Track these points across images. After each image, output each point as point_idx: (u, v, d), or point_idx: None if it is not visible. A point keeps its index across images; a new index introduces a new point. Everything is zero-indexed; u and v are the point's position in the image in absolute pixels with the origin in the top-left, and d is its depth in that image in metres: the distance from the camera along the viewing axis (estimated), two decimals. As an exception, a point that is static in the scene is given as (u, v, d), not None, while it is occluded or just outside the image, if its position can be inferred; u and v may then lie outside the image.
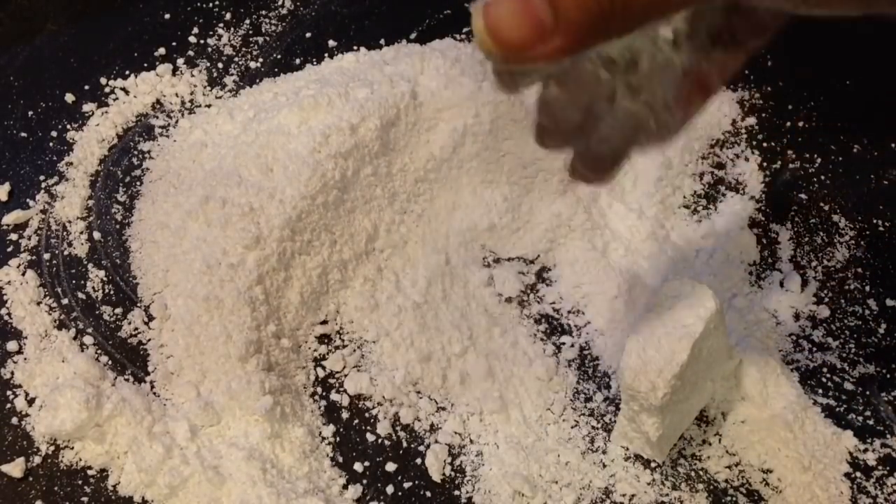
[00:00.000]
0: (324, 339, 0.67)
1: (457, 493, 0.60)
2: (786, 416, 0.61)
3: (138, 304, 0.67)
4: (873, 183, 0.74)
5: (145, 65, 0.81)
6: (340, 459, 0.61)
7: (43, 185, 0.74)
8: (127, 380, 0.63)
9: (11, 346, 0.65)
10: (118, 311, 0.67)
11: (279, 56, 0.83)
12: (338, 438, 0.62)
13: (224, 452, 0.60)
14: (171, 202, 0.71)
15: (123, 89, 0.80)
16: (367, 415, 0.63)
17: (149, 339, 0.66)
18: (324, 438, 0.62)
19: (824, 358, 0.65)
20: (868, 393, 0.64)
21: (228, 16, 0.85)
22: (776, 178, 0.75)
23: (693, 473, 0.61)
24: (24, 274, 0.68)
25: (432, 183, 0.71)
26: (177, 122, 0.77)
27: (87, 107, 0.78)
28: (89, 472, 0.60)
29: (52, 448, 0.61)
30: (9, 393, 0.63)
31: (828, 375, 0.65)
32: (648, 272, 0.68)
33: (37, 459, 0.60)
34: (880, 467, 0.60)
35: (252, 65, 0.82)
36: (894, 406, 0.63)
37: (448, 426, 0.63)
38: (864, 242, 0.71)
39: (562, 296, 0.69)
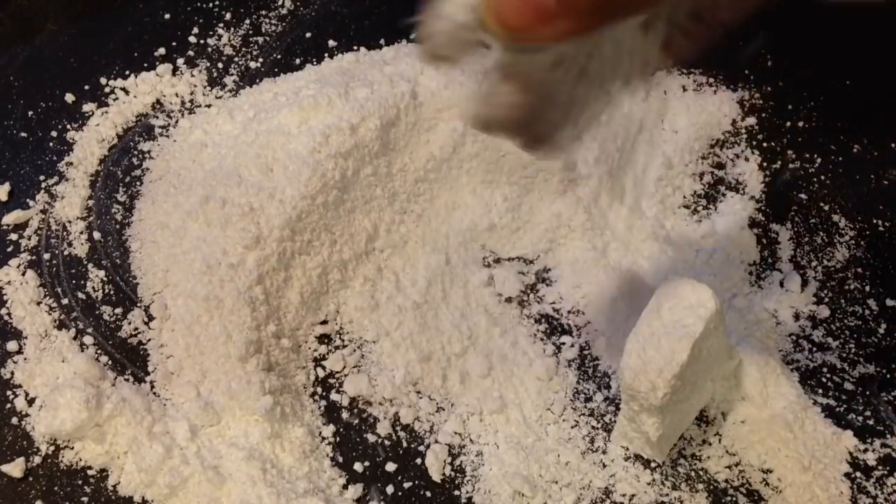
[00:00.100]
0: (324, 339, 0.67)
1: (457, 493, 0.60)
2: (786, 416, 0.61)
3: (138, 304, 0.67)
4: (873, 183, 0.74)
5: (145, 65, 0.81)
6: (340, 459, 0.61)
7: (43, 185, 0.74)
8: (127, 380, 0.63)
9: (11, 346, 0.65)
10: (118, 311, 0.67)
11: (279, 56, 0.83)
12: (338, 438, 0.62)
13: (224, 452, 0.60)
14: (171, 202, 0.71)
15: (123, 89, 0.80)
16: (367, 415, 0.63)
17: (149, 339, 0.66)
18: (324, 438, 0.62)
19: (824, 358, 0.65)
20: (868, 393, 0.64)
21: (228, 16, 0.85)
22: (776, 178, 0.75)
23: (693, 473, 0.61)
24: (24, 274, 0.68)
25: (432, 183, 0.71)
26: (177, 122, 0.77)
27: (87, 107, 0.78)
28: (89, 472, 0.60)
29: (52, 448, 0.61)
30: (9, 393, 0.63)
31: (828, 375, 0.65)
32: (648, 272, 0.68)
33: (37, 459, 0.60)
34: (880, 467, 0.60)
35: (252, 65, 0.82)
36: (894, 406, 0.63)
37: (448, 426, 0.63)
38: (864, 242, 0.71)
39: (562, 296, 0.69)
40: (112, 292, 0.68)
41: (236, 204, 0.66)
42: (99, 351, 0.65)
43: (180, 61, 0.82)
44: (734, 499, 0.60)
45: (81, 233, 0.71)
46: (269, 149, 0.69)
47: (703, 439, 0.62)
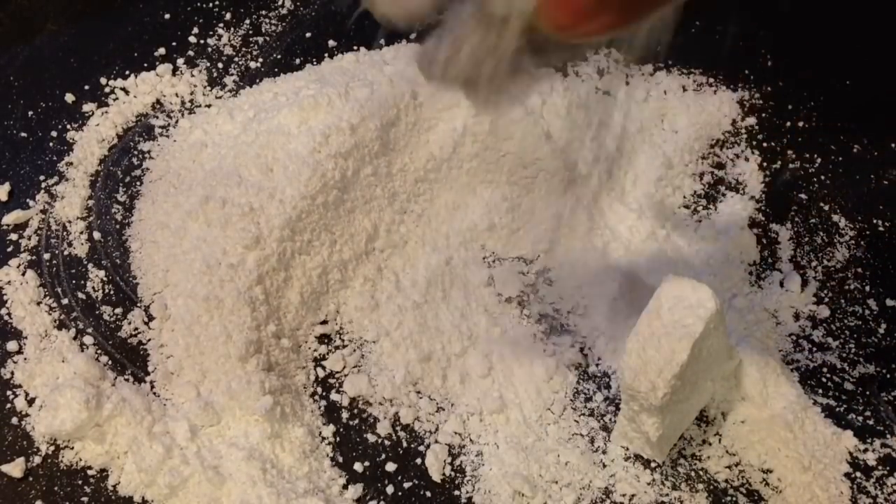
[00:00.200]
0: (324, 339, 0.67)
1: (457, 493, 0.60)
2: (786, 416, 0.61)
3: (138, 304, 0.67)
4: (873, 183, 0.74)
5: (145, 65, 0.81)
6: (340, 459, 0.61)
7: (43, 185, 0.74)
8: (127, 380, 0.63)
9: (11, 346, 0.65)
10: (118, 311, 0.67)
11: (279, 56, 0.83)
12: (338, 438, 0.62)
13: (224, 452, 0.60)
14: (171, 202, 0.71)
15: (123, 89, 0.80)
16: (366, 415, 0.63)
17: (149, 339, 0.66)
18: (324, 438, 0.62)
19: (824, 358, 0.65)
20: (868, 393, 0.64)
21: (228, 16, 0.85)
22: (776, 178, 0.75)
23: (693, 473, 0.61)
24: (24, 274, 0.68)
25: (432, 183, 0.71)
26: (177, 122, 0.77)
27: (87, 107, 0.78)
28: (89, 472, 0.60)
29: (52, 448, 0.61)
30: (9, 393, 0.63)
31: (828, 375, 0.65)
32: (648, 272, 0.68)
33: (37, 459, 0.60)
34: (880, 467, 0.60)
35: (252, 65, 0.82)
36: (894, 406, 0.63)
37: (448, 426, 0.63)
38: (864, 242, 0.71)
39: (562, 296, 0.69)
40: (112, 292, 0.68)
41: (236, 204, 0.66)
42: (99, 351, 0.65)
43: (180, 61, 0.82)
44: (734, 499, 0.60)
45: (81, 233, 0.71)
46: (269, 149, 0.69)
47: (703, 439, 0.62)
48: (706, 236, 0.71)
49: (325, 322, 0.67)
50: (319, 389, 0.64)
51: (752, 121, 0.78)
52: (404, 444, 0.62)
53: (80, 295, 0.68)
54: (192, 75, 0.81)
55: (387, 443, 0.62)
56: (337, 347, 0.66)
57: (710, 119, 0.78)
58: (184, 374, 0.63)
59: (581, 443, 0.62)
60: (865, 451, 0.61)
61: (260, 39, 0.84)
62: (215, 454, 0.60)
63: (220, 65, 0.82)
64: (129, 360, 0.65)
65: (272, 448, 0.60)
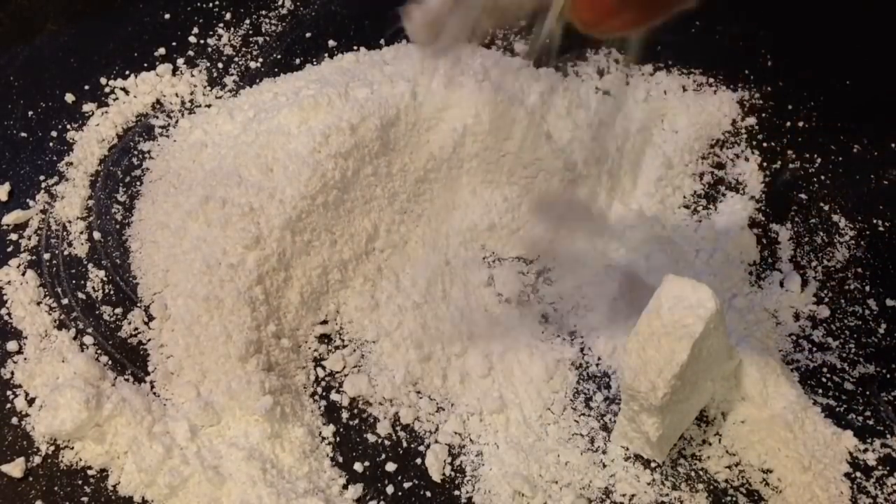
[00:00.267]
0: (324, 339, 0.67)
1: (457, 493, 0.60)
2: (786, 416, 0.61)
3: (138, 304, 0.67)
4: (873, 183, 0.74)
5: (145, 65, 0.81)
6: (340, 459, 0.61)
7: (43, 185, 0.74)
8: (127, 380, 0.63)
9: (11, 346, 0.65)
10: (118, 311, 0.67)
11: (279, 56, 0.83)
12: (338, 438, 0.62)
13: (224, 452, 0.60)
14: (171, 202, 0.71)
15: (123, 89, 0.80)
16: (366, 415, 0.63)
17: (149, 339, 0.66)
18: (324, 438, 0.62)
19: (824, 358, 0.65)
20: (868, 393, 0.64)
21: (228, 16, 0.85)
22: (776, 178, 0.75)
23: (693, 473, 0.61)
24: (24, 274, 0.68)
25: (432, 183, 0.71)
26: (177, 122, 0.77)
27: (87, 107, 0.78)
28: (89, 472, 0.60)
29: (52, 448, 0.61)
30: (9, 393, 0.63)
31: (828, 375, 0.65)
32: (648, 272, 0.68)
33: (37, 459, 0.60)
34: (880, 467, 0.60)
35: (252, 65, 0.82)
36: (894, 406, 0.63)
37: (448, 426, 0.62)
38: (864, 242, 0.71)
39: (562, 296, 0.69)
40: (112, 292, 0.68)
41: (236, 204, 0.66)
42: (99, 351, 0.65)
43: (180, 61, 0.82)
44: (734, 499, 0.60)
45: (81, 233, 0.71)
46: (269, 149, 0.69)
47: (703, 439, 0.62)
48: (706, 236, 0.71)
49: (325, 322, 0.67)
50: (319, 389, 0.64)
51: (752, 121, 0.78)
52: (404, 444, 0.62)
53: (80, 295, 0.68)
54: (192, 75, 0.81)
55: (387, 443, 0.62)
56: (337, 347, 0.66)
57: (710, 119, 0.78)
58: (184, 374, 0.63)
59: (581, 443, 0.62)
60: (865, 451, 0.61)
61: (260, 39, 0.84)
62: (215, 454, 0.60)
63: (220, 65, 0.82)
64: (129, 360, 0.65)
65: (272, 448, 0.60)
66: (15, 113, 0.78)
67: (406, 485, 0.60)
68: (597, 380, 0.65)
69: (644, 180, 0.74)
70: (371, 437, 0.62)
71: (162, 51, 0.82)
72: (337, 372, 0.65)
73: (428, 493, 0.60)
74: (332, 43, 0.83)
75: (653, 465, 0.61)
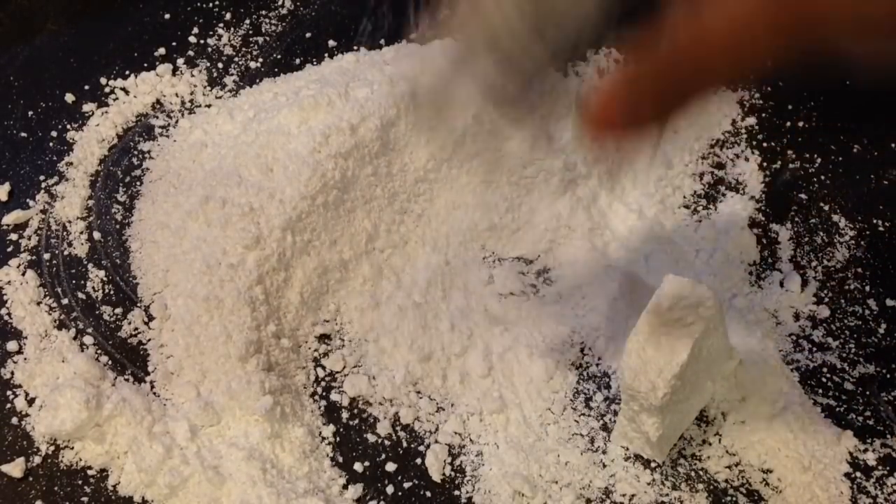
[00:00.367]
0: (324, 339, 0.67)
1: (457, 493, 0.60)
2: (786, 416, 0.61)
3: (138, 304, 0.67)
4: (873, 183, 0.74)
5: (145, 65, 0.81)
6: (340, 459, 0.61)
7: (43, 185, 0.74)
8: (127, 380, 0.63)
9: (11, 346, 0.65)
10: (118, 311, 0.67)
11: (279, 56, 0.83)
12: (338, 438, 0.62)
13: (224, 452, 0.60)
14: (171, 202, 0.71)
15: (123, 89, 0.80)
16: (366, 415, 0.63)
17: (149, 339, 0.66)
18: (324, 438, 0.62)
19: (824, 358, 0.65)
20: (868, 393, 0.64)
21: (228, 16, 0.85)
22: (776, 178, 0.75)
23: (693, 473, 0.61)
24: (24, 274, 0.68)
25: (432, 183, 0.71)
26: (177, 122, 0.77)
27: (87, 107, 0.78)
28: (89, 472, 0.60)
29: (52, 448, 0.61)
30: (9, 393, 0.63)
31: (828, 375, 0.65)
32: (648, 272, 0.68)
33: (37, 459, 0.60)
34: (880, 467, 0.60)
35: (252, 65, 0.82)
36: (894, 406, 0.63)
37: (448, 426, 0.63)
38: (864, 242, 0.71)
39: (562, 296, 0.69)
40: (112, 292, 0.68)
41: (236, 204, 0.66)
42: (99, 351, 0.65)
43: (180, 61, 0.82)
44: (734, 499, 0.60)
45: (81, 233, 0.71)
46: (269, 149, 0.69)
47: (703, 439, 0.62)
48: (706, 236, 0.71)
49: (325, 322, 0.67)
50: (319, 389, 0.64)
51: (752, 121, 0.78)
52: (404, 444, 0.62)
53: (80, 295, 0.68)
54: (192, 75, 0.81)
55: (387, 443, 0.62)
56: (337, 347, 0.66)
57: (710, 119, 0.78)
58: (184, 374, 0.63)
59: (581, 443, 0.62)
60: (865, 451, 0.61)
61: (260, 39, 0.84)
62: (215, 454, 0.60)
63: (220, 65, 0.82)
64: (129, 360, 0.65)
65: (272, 448, 0.60)
66: (15, 113, 0.78)
67: (406, 485, 0.60)
68: (597, 380, 0.65)
69: (644, 180, 0.73)
70: (371, 437, 0.62)
71: (162, 51, 0.82)
72: (337, 372, 0.65)
73: (428, 493, 0.60)
74: (332, 43, 0.83)
75: (653, 465, 0.61)
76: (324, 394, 0.64)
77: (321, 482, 0.60)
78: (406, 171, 0.70)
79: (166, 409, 0.62)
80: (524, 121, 0.54)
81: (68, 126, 0.77)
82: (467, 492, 0.60)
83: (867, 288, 0.69)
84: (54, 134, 0.77)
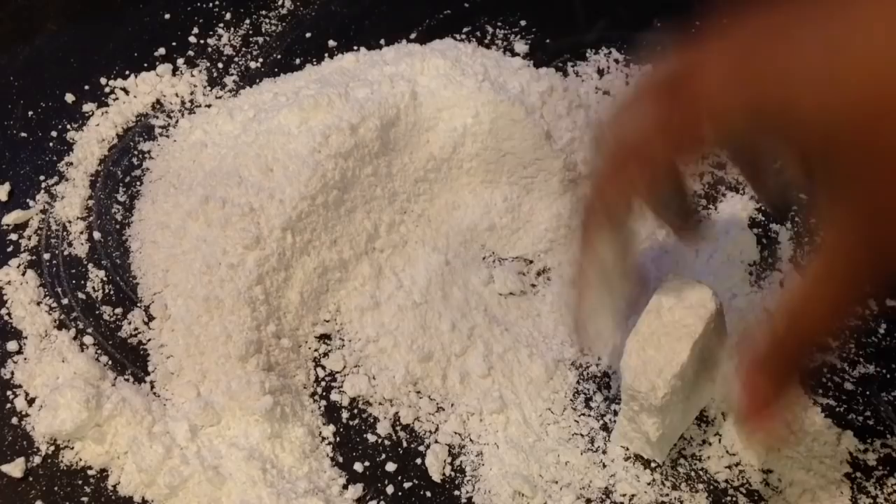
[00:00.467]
0: (324, 339, 0.67)
1: (457, 493, 0.60)
2: (786, 416, 0.61)
3: (138, 304, 0.67)
4: (873, 183, 0.74)
5: (145, 65, 0.81)
6: (340, 459, 0.61)
7: (43, 185, 0.74)
8: (127, 380, 0.63)
9: (11, 346, 0.65)
10: (118, 311, 0.67)
11: (279, 56, 0.83)
12: (338, 438, 0.62)
13: (224, 452, 0.60)
14: (171, 202, 0.71)
15: (123, 89, 0.80)
16: (367, 415, 0.63)
17: (149, 339, 0.66)
18: (324, 438, 0.62)
19: (824, 358, 0.65)
20: (868, 393, 0.64)
21: (228, 16, 0.85)
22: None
23: (693, 473, 0.61)
24: (24, 274, 0.68)
25: (432, 183, 0.71)
26: (177, 122, 0.77)
27: (87, 107, 0.78)
28: (89, 472, 0.60)
29: (52, 448, 0.61)
30: (9, 393, 0.63)
31: (828, 375, 0.65)
32: (648, 272, 0.68)
33: (37, 459, 0.60)
34: (880, 467, 0.60)
35: (252, 65, 0.82)
36: (894, 406, 0.63)
37: (448, 426, 0.62)
38: (864, 242, 0.71)
39: (562, 296, 0.69)
40: (112, 292, 0.68)
41: (236, 204, 0.66)
42: (99, 351, 0.65)
43: (180, 61, 0.82)
44: (734, 499, 0.60)
45: (81, 233, 0.71)
46: (269, 149, 0.69)
47: (703, 439, 0.62)
48: (706, 236, 0.71)
49: (325, 322, 0.67)
50: (319, 389, 0.64)
51: (752, 121, 0.78)
52: (404, 444, 0.62)
53: (80, 295, 0.68)
54: (192, 75, 0.81)
55: (387, 443, 0.62)
56: (337, 347, 0.66)
57: (710, 119, 0.77)
58: (184, 374, 0.63)
59: (581, 443, 0.62)
60: (865, 451, 0.61)
61: (260, 39, 0.84)
62: (215, 454, 0.60)
63: (220, 65, 0.82)
64: (129, 360, 0.65)
65: (272, 448, 0.60)
66: (15, 113, 0.78)
67: (406, 485, 0.60)
68: (597, 380, 0.65)
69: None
70: (371, 437, 0.62)
71: (162, 51, 0.82)
72: (337, 372, 0.65)
73: (428, 493, 0.60)
74: (332, 43, 0.83)
75: (653, 465, 0.61)
76: (324, 394, 0.64)
77: (321, 482, 0.60)
78: (406, 171, 0.70)
79: (166, 409, 0.62)
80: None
81: (68, 126, 0.77)
82: (467, 492, 0.60)
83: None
84: (54, 134, 0.77)
